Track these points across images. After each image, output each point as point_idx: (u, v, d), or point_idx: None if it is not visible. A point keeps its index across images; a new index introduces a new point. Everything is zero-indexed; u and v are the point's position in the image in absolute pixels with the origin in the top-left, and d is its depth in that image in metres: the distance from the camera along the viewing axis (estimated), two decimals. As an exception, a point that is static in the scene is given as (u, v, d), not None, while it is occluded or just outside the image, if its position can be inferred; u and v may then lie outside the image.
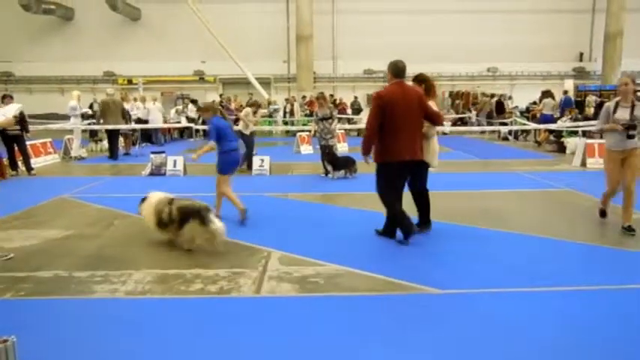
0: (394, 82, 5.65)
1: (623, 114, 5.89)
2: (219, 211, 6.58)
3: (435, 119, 5.77)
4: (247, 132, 11.15)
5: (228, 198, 6.66)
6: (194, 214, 5.36)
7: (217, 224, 5.36)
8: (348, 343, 3.41)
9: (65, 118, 19.86)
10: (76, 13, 25.43)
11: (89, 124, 15.09)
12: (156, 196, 5.83)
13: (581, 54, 26.05)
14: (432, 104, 5.82)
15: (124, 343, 3.45)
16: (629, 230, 5.89)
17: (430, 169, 6.08)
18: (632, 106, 5.84)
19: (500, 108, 20.78)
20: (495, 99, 21.37)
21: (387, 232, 5.88)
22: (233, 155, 6.74)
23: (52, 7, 24.03)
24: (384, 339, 3.45)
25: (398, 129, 5.45)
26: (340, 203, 8.02)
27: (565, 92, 20.59)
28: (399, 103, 5.47)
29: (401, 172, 5.62)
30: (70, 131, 14.51)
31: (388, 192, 5.68)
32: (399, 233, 5.73)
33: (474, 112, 22.81)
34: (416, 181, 6.03)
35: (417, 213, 6.15)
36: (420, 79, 6.10)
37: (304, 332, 3.57)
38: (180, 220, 5.42)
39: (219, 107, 7.69)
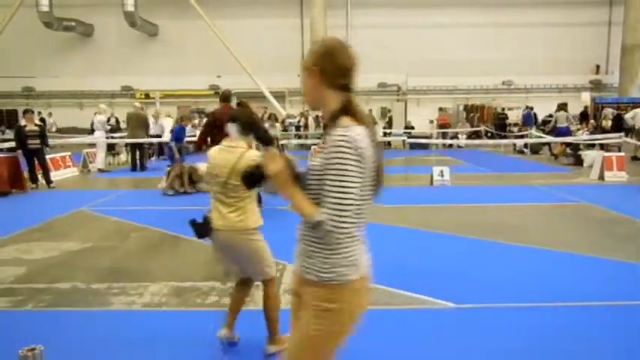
0: (223, 105, 7.62)
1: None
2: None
3: None
4: None
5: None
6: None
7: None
8: (361, 359, 3.40)
9: (84, 132, 20.29)
10: (96, 29, 25.98)
11: (109, 137, 15.41)
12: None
13: (598, 66, 25.82)
14: None
15: (140, 355, 3.49)
16: None
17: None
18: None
19: (618, 124, 17.30)
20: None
21: None
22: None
23: (73, 24, 24.59)
24: (399, 353, 3.43)
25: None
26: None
27: (526, 107, 20.86)
28: (226, 119, 7.12)
29: None
30: (90, 145, 14.76)
31: None
32: None
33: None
34: None
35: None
36: (239, 103, 8.14)
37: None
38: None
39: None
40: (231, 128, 2.97)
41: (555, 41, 24.61)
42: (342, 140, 1.75)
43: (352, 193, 1.76)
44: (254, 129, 2.02)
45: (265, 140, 1.95)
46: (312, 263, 1.90)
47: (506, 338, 3.63)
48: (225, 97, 7.84)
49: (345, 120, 1.86)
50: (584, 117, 20.03)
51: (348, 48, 1.94)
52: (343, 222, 1.76)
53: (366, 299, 1.98)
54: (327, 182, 1.77)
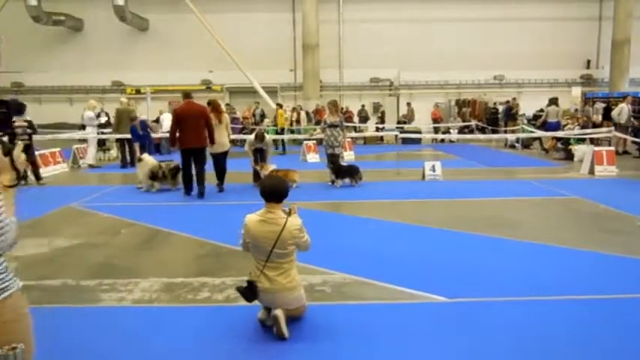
0: (185, 101, 9.09)
1: None
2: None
3: (209, 129, 8.97)
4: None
5: None
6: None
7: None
8: (355, 352, 3.39)
9: (74, 127, 20.12)
10: (86, 24, 25.69)
11: (100, 132, 15.28)
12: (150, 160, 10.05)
13: (589, 61, 25.95)
14: (222, 118, 9.55)
15: (131, 351, 3.46)
16: None
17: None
18: None
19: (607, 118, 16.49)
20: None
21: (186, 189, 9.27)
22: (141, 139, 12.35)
23: (62, 18, 24.29)
24: (392, 348, 3.44)
25: (187, 129, 8.78)
26: (346, 211, 8.02)
27: (507, 102, 21.30)
28: (187, 114, 8.84)
29: (190, 153, 8.93)
30: (79, 141, 14.64)
31: (185, 165, 9.06)
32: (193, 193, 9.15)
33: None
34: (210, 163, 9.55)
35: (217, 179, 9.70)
36: (209, 102, 9.72)
37: (312, 341, 3.56)
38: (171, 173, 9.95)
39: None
40: None
41: (546, 36, 24.70)
42: None
43: None
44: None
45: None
46: None
47: (498, 332, 3.64)
48: (186, 94, 9.25)
49: None
50: (608, 112, 18.13)
51: None
52: None
53: None
54: None
